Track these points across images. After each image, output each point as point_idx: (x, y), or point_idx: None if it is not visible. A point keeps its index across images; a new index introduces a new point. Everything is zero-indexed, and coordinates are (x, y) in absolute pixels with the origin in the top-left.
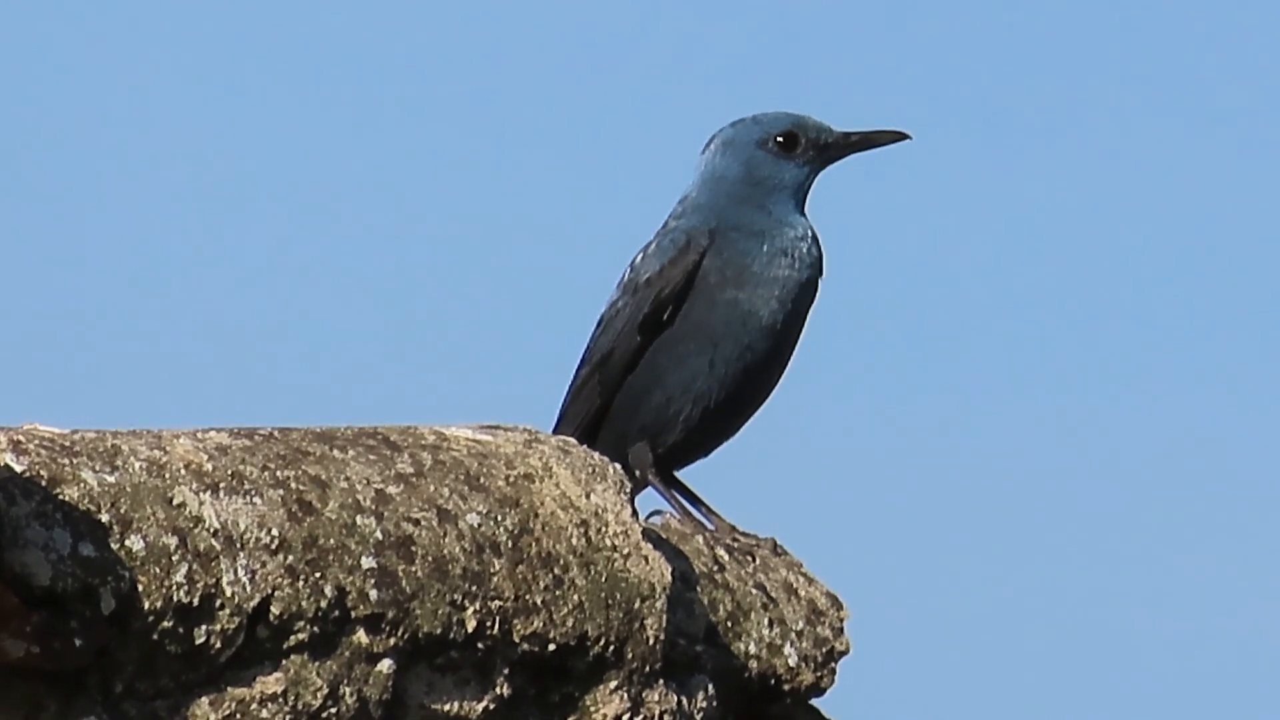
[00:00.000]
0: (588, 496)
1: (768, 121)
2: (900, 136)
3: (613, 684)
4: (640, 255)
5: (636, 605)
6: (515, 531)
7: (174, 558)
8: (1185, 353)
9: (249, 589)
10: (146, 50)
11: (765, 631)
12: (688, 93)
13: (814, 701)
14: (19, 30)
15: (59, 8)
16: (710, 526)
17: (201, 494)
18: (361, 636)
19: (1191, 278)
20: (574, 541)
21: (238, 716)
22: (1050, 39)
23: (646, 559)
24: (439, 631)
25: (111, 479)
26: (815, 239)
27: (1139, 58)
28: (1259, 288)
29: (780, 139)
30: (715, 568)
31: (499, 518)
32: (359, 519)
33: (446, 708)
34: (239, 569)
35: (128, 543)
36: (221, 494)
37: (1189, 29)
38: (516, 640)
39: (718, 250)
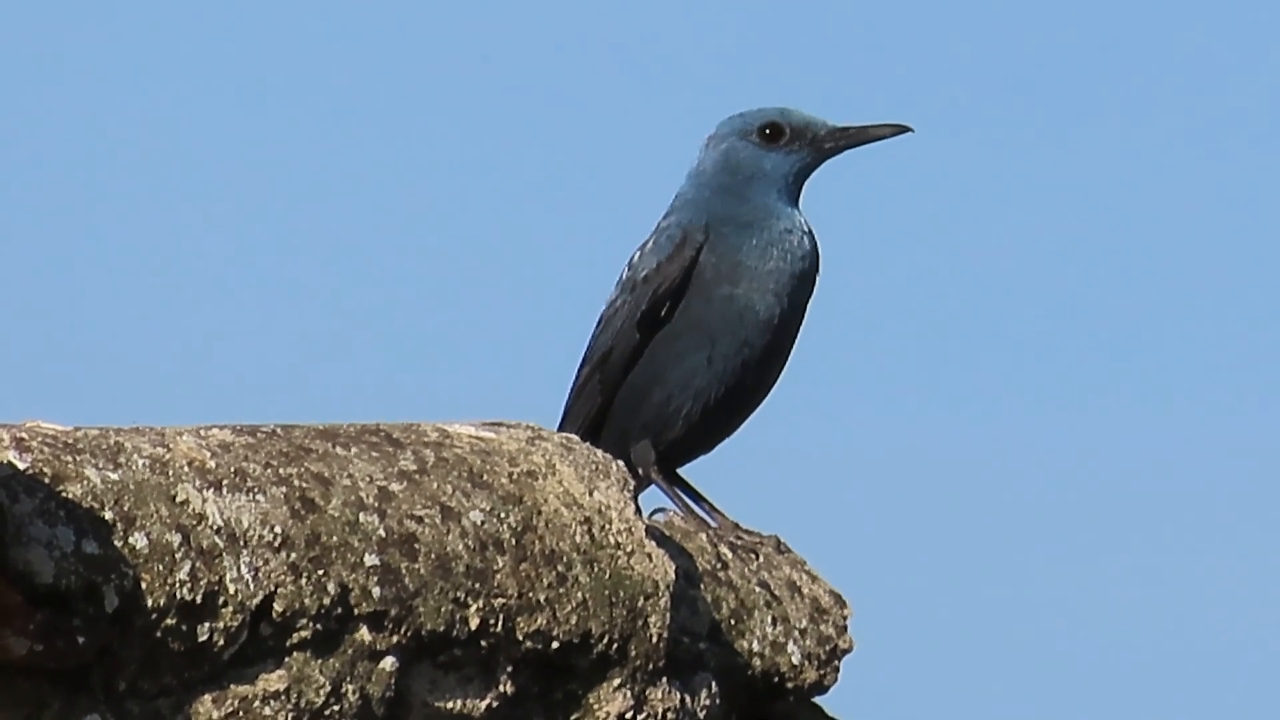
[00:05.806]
0: (591, 494)
1: (751, 115)
2: (900, 130)
3: (616, 682)
4: (638, 252)
5: (640, 603)
6: (518, 529)
7: (177, 555)
8: (1187, 352)
9: (252, 586)
10: (150, 47)
11: (768, 629)
12: (688, 91)
13: (817, 699)
14: (21, 30)
15: (60, 7)
16: (713, 524)
17: (204, 491)
18: (364, 634)
19: (1192, 279)
20: (577, 539)
21: (240, 714)
22: (1049, 37)
23: (650, 557)
24: (442, 629)
25: (114, 476)
26: (808, 231)
27: (1142, 58)
28: (1260, 289)
29: (766, 130)
30: (718, 565)
31: (502, 515)
32: (362, 516)
33: (450, 705)
34: (242, 566)
35: (131, 540)
36: (224, 491)
37: (1187, 29)
38: (520, 638)
39: (712, 246)
